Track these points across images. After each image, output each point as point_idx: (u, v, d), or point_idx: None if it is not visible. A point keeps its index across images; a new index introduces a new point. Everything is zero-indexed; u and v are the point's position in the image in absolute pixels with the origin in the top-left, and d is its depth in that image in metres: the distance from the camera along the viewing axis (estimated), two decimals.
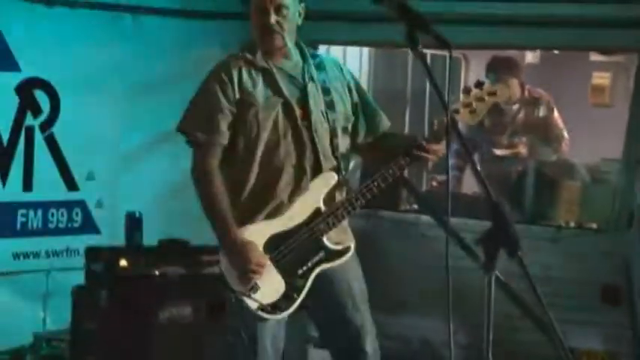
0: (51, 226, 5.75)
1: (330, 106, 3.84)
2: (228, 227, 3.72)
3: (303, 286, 3.77)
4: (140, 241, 5.42)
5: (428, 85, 6.39)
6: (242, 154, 3.80)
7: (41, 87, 5.66)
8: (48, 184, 5.73)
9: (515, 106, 6.51)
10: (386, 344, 4.24)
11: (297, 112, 3.79)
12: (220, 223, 3.73)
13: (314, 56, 3.94)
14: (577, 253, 5.37)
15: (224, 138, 3.78)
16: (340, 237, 3.86)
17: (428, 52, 5.79)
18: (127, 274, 5.14)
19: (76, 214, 5.84)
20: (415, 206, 5.98)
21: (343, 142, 3.89)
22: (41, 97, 5.67)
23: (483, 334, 2.80)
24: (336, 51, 6.51)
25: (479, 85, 3.81)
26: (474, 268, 2.92)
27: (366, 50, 6.99)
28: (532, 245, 4.91)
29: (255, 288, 3.69)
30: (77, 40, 5.64)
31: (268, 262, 3.72)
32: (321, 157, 3.80)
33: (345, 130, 3.92)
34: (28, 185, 5.64)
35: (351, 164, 4.53)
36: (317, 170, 3.81)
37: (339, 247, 3.84)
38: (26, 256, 5.66)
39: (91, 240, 5.66)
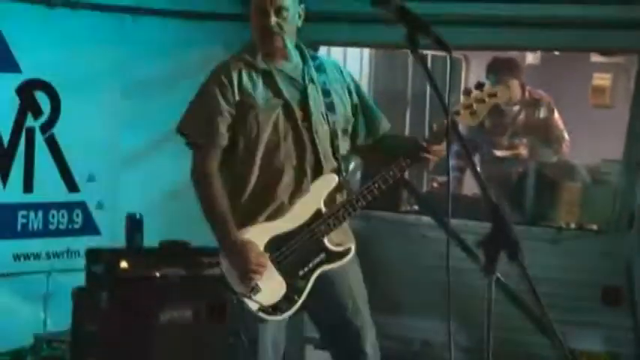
0: (51, 227, 5.74)
1: (330, 107, 3.84)
2: (228, 229, 3.72)
3: (304, 288, 3.77)
4: (141, 243, 5.42)
5: (428, 86, 6.40)
6: (242, 155, 3.80)
7: (42, 88, 5.65)
8: (48, 186, 5.72)
9: (516, 108, 6.52)
10: (386, 345, 4.24)
11: (298, 113, 3.80)
12: (220, 225, 3.73)
13: (314, 58, 3.94)
14: (577, 254, 5.37)
15: (223, 140, 3.78)
16: (341, 238, 3.86)
17: (428, 53, 5.84)
18: (128, 276, 5.14)
19: (77, 215, 5.84)
20: (416, 207, 5.99)
21: (343, 144, 3.89)
22: (42, 99, 5.67)
23: (484, 336, 2.80)
24: (336, 52, 6.51)
25: (479, 86, 3.81)
26: (475, 269, 2.92)
27: (366, 51, 7.00)
28: (532, 246, 4.92)
29: (256, 289, 3.69)
30: (78, 42, 5.64)
31: (269, 264, 3.72)
32: (322, 159, 3.80)
33: (345, 131, 3.92)
34: (28, 186, 5.63)
35: (352, 165, 4.54)
36: (317, 172, 3.81)
37: (340, 249, 3.85)
38: (27, 257, 5.65)
39: (92, 241, 5.66)
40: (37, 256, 5.68)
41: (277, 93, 3.79)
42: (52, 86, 5.68)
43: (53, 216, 5.74)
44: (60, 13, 5.59)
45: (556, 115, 6.54)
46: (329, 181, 3.81)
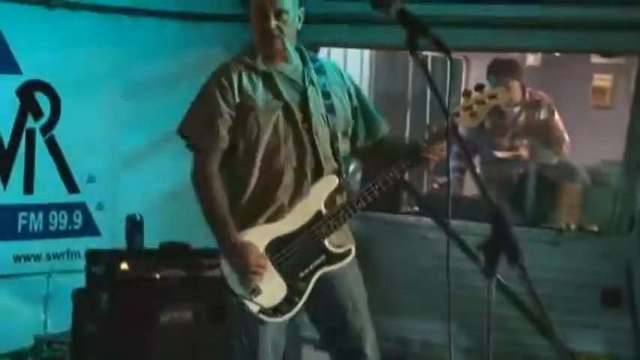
0: (52, 228, 5.74)
1: (330, 109, 3.84)
2: (228, 231, 3.72)
3: (305, 290, 3.77)
4: (141, 244, 5.42)
5: (429, 88, 6.40)
6: (242, 157, 3.80)
7: (42, 89, 5.66)
8: (49, 187, 5.72)
9: (516, 109, 6.52)
10: (386, 346, 4.25)
11: (298, 115, 3.80)
12: (220, 227, 3.74)
13: (314, 60, 3.94)
14: (578, 255, 5.38)
15: (224, 142, 3.78)
16: (341, 240, 3.86)
17: (428, 54, 5.84)
18: (128, 277, 5.14)
19: (77, 216, 5.84)
20: (416, 208, 5.99)
21: (343, 146, 3.90)
22: (42, 100, 5.67)
23: (484, 337, 2.80)
24: (336, 54, 6.51)
25: (479, 88, 3.81)
26: (475, 270, 2.92)
27: (366, 53, 7.00)
28: (533, 248, 4.93)
29: (256, 291, 3.69)
30: (78, 43, 5.64)
31: (270, 266, 3.72)
32: (322, 161, 3.80)
33: (345, 133, 3.92)
34: (28, 188, 5.63)
35: (351, 167, 4.54)
36: (318, 173, 3.81)
37: (341, 250, 3.85)
38: (27, 258, 5.65)
39: (92, 242, 5.66)
40: (37, 258, 5.68)
41: (277, 95, 3.79)
42: (52, 87, 5.68)
43: (53, 217, 5.74)
44: (60, 14, 5.59)
45: (556, 116, 6.53)
46: (329, 182, 3.81)
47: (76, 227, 5.84)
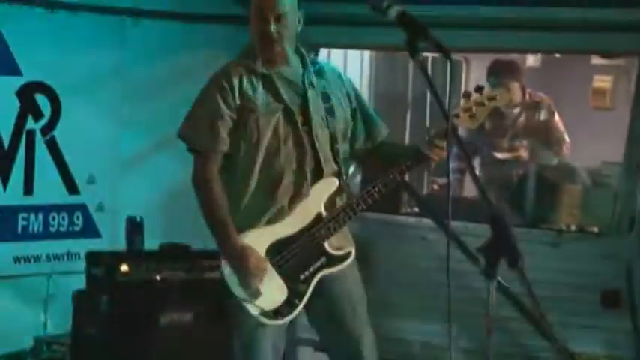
0: (52, 229, 5.75)
1: (330, 112, 3.84)
2: (229, 234, 3.72)
3: (305, 292, 3.77)
4: (141, 246, 5.42)
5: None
6: (242, 159, 3.79)
7: (42, 91, 5.66)
8: (49, 188, 5.72)
9: (516, 110, 6.52)
10: (386, 347, 4.24)
11: (298, 117, 3.79)
12: (220, 229, 3.73)
13: (314, 63, 3.94)
14: (578, 256, 5.37)
15: (224, 145, 3.78)
16: (341, 242, 3.86)
17: (428, 55, 5.84)
18: (128, 279, 5.14)
19: (77, 217, 5.84)
20: (416, 209, 5.98)
21: (343, 148, 3.90)
22: (42, 101, 5.67)
23: (484, 338, 2.81)
24: (337, 55, 6.52)
25: (479, 89, 3.81)
26: (475, 271, 2.92)
27: (367, 54, 7.00)
28: (533, 249, 4.92)
29: (257, 294, 3.69)
30: (78, 44, 5.64)
31: (270, 268, 3.72)
32: (322, 163, 3.80)
33: (344, 136, 3.92)
34: (29, 189, 5.64)
35: (351, 169, 4.54)
36: (318, 176, 3.81)
37: (341, 253, 3.85)
38: (27, 259, 5.65)
39: (92, 244, 5.66)
40: (37, 259, 5.68)
41: (277, 97, 3.79)
42: (52, 89, 5.68)
43: (54, 218, 5.75)
44: (60, 15, 5.59)
45: (556, 117, 6.53)
46: (329, 184, 3.81)
47: (77, 228, 5.84)
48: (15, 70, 5.52)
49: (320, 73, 3.89)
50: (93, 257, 5.28)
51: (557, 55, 6.95)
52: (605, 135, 6.30)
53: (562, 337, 5.21)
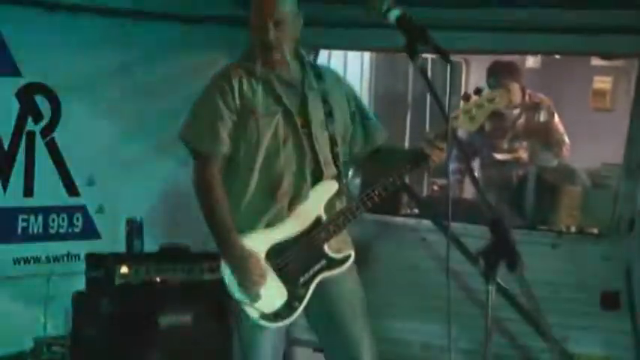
0: (52, 231, 5.74)
1: (329, 115, 3.85)
2: (230, 237, 3.72)
3: (305, 295, 3.77)
4: (141, 247, 5.42)
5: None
6: (242, 161, 3.79)
7: (42, 92, 5.65)
8: (49, 190, 5.71)
9: (516, 111, 6.52)
10: (386, 348, 4.24)
11: (297, 120, 3.80)
12: (221, 232, 3.73)
13: (313, 66, 3.95)
14: (578, 257, 5.38)
15: (226, 147, 3.78)
16: (340, 245, 3.86)
17: (428, 56, 5.84)
18: (128, 280, 5.15)
19: (77, 219, 5.84)
20: (416, 211, 5.98)
21: (343, 151, 3.90)
22: (42, 103, 5.67)
23: (483, 339, 2.81)
24: (337, 56, 6.52)
25: (478, 91, 3.82)
26: (474, 272, 2.92)
27: (367, 55, 7.01)
28: (533, 250, 4.91)
29: (257, 297, 3.69)
30: (78, 46, 5.63)
31: (270, 271, 3.72)
32: (322, 165, 3.80)
33: (344, 139, 3.92)
34: (29, 190, 5.63)
35: (351, 172, 4.54)
36: (317, 178, 3.81)
37: (340, 256, 3.85)
38: (27, 261, 5.64)
39: (92, 245, 5.66)
40: (37, 260, 5.68)
41: (277, 99, 3.79)
42: (52, 90, 5.68)
43: (53, 220, 5.74)
44: (60, 17, 5.58)
45: (556, 118, 6.54)
46: (329, 187, 3.82)
47: (76, 230, 5.83)
48: (15, 72, 5.52)
49: (319, 76, 3.89)
50: (93, 259, 5.29)
51: (557, 57, 6.95)
52: (605, 136, 6.31)
53: (561, 338, 5.21)
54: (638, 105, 5.37)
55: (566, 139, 6.50)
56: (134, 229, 5.40)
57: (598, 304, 5.25)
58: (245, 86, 3.78)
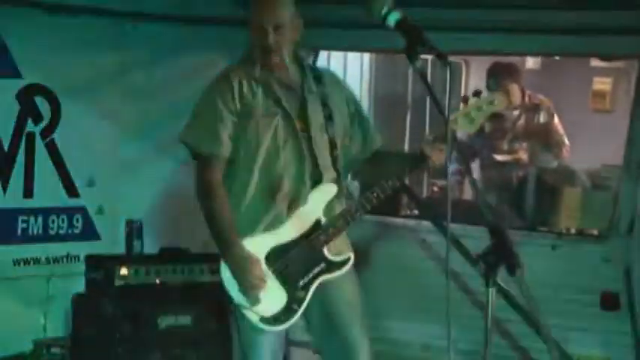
0: (51, 232, 5.73)
1: (328, 118, 3.85)
2: (231, 240, 3.71)
3: (304, 298, 3.78)
4: (140, 249, 5.42)
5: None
6: (242, 163, 3.80)
7: (42, 93, 5.65)
8: (48, 191, 5.71)
9: (516, 112, 6.52)
10: (386, 349, 4.24)
11: (297, 123, 3.80)
12: (222, 236, 3.73)
13: (312, 69, 3.95)
14: (577, 259, 5.37)
15: (226, 150, 3.78)
16: (340, 248, 3.86)
17: (428, 57, 5.83)
18: (128, 282, 5.14)
19: (77, 220, 5.83)
20: (415, 212, 5.98)
21: (342, 154, 3.90)
22: (42, 104, 5.66)
23: (483, 340, 2.81)
24: (336, 57, 6.52)
25: (477, 94, 3.82)
26: (474, 273, 2.92)
27: (366, 56, 7.00)
28: (533, 251, 4.93)
29: (256, 301, 3.68)
30: (78, 47, 5.63)
31: (270, 274, 3.72)
32: (321, 168, 3.80)
33: (343, 142, 3.92)
34: (28, 191, 5.63)
35: (349, 174, 4.54)
36: (317, 181, 3.81)
37: (340, 258, 3.85)
38: (27, 262, 5.64)
39: (92, 246, 5.66)
40: (37, 261, 5.67)
41: (276, 102, 3.80)
42: (52, 91, 5.68)
43: (53, 221, 5.74)
44: (60, 18, 5.58)
45: (556, 119, 6.54)
46: (328, 190, 3.82)
47: (76, 231, 5.83)
48: (15, 73, 5.51)
49: (319, 79, 3.89)
50: (92, 260, 5.29)
51: (557, 58, 6.95)
52: (605, 137, 6.31)
53: (561, 340, 5.21)
54: (638, 106, 5.37)
55: (566, 141, 6.50)
56: (134, 230, 5.40)
57: (598, 305, 5.25)
58: (245, 88, 3.78)
